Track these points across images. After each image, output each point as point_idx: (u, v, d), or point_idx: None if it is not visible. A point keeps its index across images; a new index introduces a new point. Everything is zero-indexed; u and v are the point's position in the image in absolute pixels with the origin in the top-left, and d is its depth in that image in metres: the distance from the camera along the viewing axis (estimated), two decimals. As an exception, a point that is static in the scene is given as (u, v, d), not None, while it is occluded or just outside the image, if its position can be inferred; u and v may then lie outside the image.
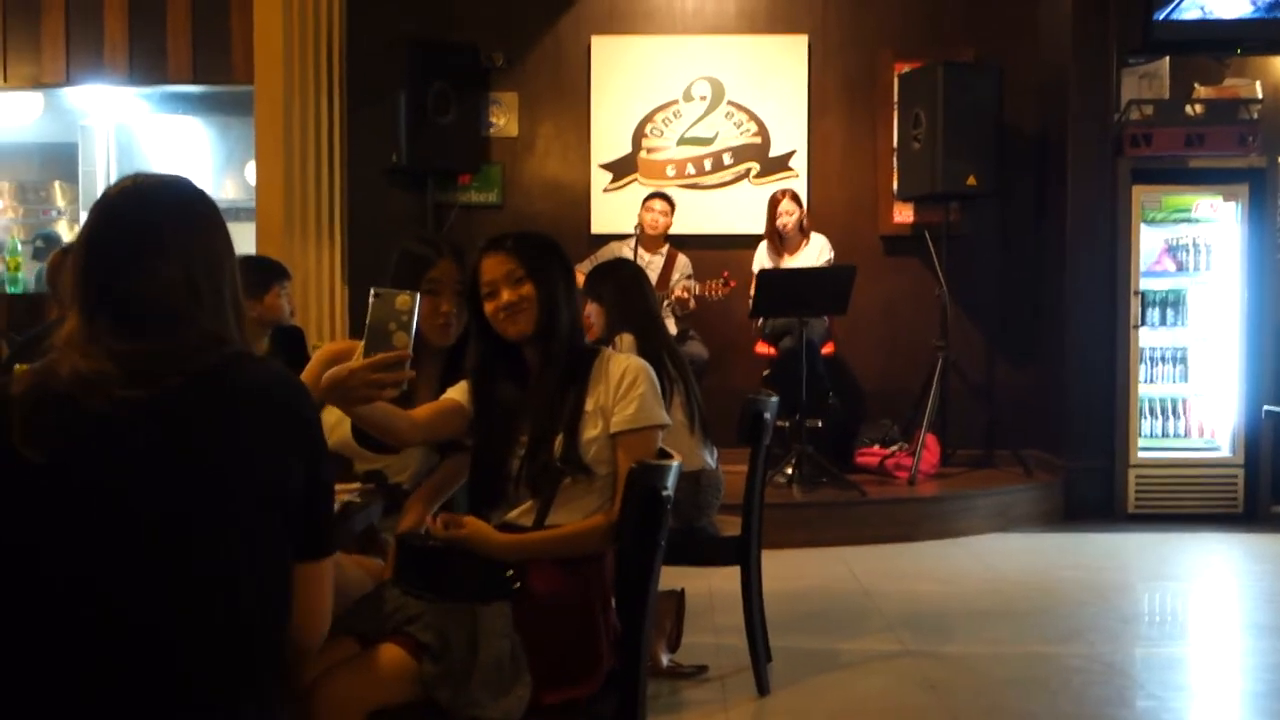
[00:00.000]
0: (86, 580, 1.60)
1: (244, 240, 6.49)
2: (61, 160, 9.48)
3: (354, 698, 2.20)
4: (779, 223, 6.90)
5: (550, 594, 2.34)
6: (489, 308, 2.50)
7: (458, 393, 2.58)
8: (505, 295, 2.48)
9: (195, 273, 1.72)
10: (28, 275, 8.08)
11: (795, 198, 6.97)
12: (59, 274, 4.34)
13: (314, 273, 6.81)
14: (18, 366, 1.78)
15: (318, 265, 6.85)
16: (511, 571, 2.33)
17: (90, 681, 1.59)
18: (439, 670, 2.22)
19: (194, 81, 7.22)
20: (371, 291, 2.12)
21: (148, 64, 7.17)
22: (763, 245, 7.02)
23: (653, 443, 2.46)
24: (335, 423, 2.73)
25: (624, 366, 2.49)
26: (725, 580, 4.15)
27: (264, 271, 4.34)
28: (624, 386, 2.46)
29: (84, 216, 7.89)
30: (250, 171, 7.94)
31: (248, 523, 1.66)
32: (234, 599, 1.66)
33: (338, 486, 2.29)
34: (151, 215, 1.75)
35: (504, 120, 7.58)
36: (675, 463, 2.34)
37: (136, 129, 9.08)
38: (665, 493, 2.24)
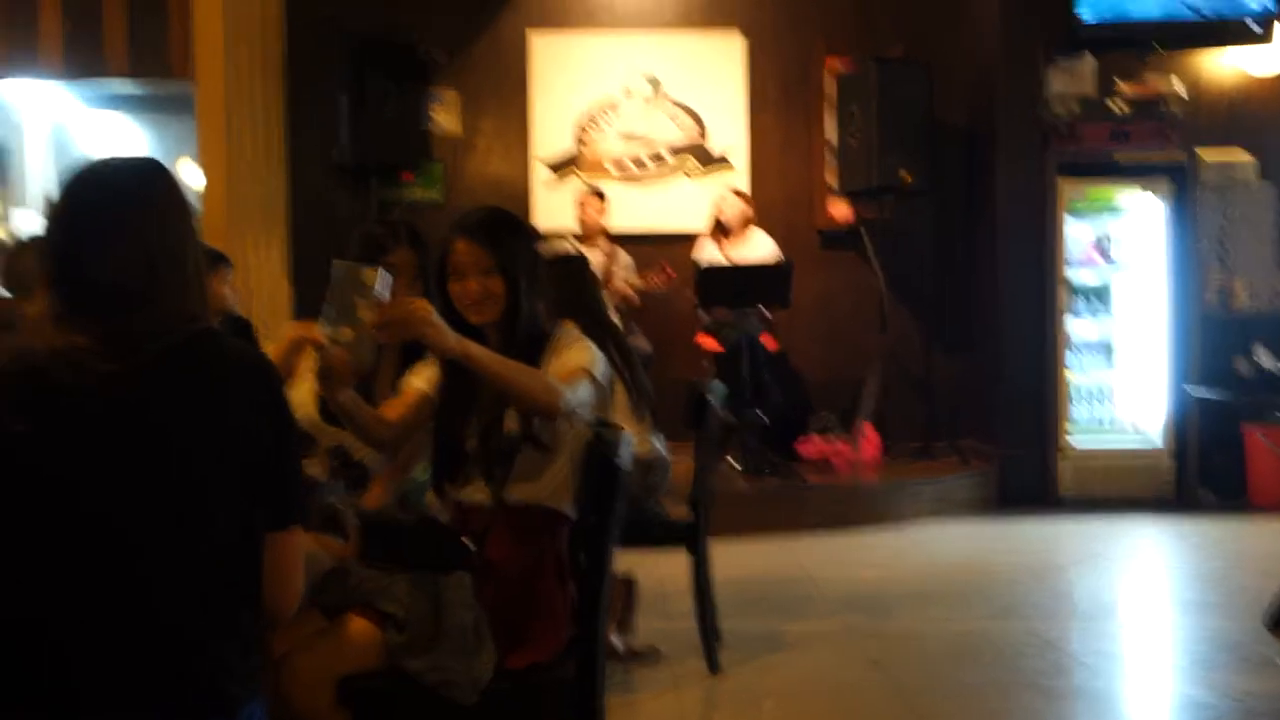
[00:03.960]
0: (73, 545, 1.65)
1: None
2: (-8, 159, 9.35)
3: (323, 668, 2.26)
4: (721, 214, 7.04)
5: (507, 563, 2.41)
6: (455, 289, 2.52)
7: (422, 381, 2.61)
8: (473, 285, 2.50)
9: (160, 252, 1.77)
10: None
11: (739, 193, 7.11)
12: (18, 266, 4.32)
13: (256, 270, 6.79)
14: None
15: (261, 262, 6.83)
16: (470, 543, 2.39)
17: (80, 645, 1.64)
18: (405, 639, 2.28)
19: (131, 75, 7.14)
20: (333, 263, 2.12)
21: (83, 58, 7.07)
22: (707, 239, 7.13)
23: (577, 377, 2.44)
24: (302, 400, 2.77)
25: (569, 336, 2.57)
26: (673, 569, 4.23)
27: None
28: (561, 348, 2.52)
29: (14, 215, 7.77)
30: (185, 170, 7.90)
31: (220, 492, 1.71)
32: (212, 566, 1.71)
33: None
34: (115, 196, 1.80)
35: (445, 117, 7.61)
36: (626, 433, 2.42)
37: (73, 128, 8.98)
38: (619, 460, 2.32)
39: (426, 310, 2.19)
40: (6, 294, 3.77)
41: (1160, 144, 6.97)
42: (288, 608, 1.88)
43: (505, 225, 2.60)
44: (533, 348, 2.53)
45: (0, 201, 9.42)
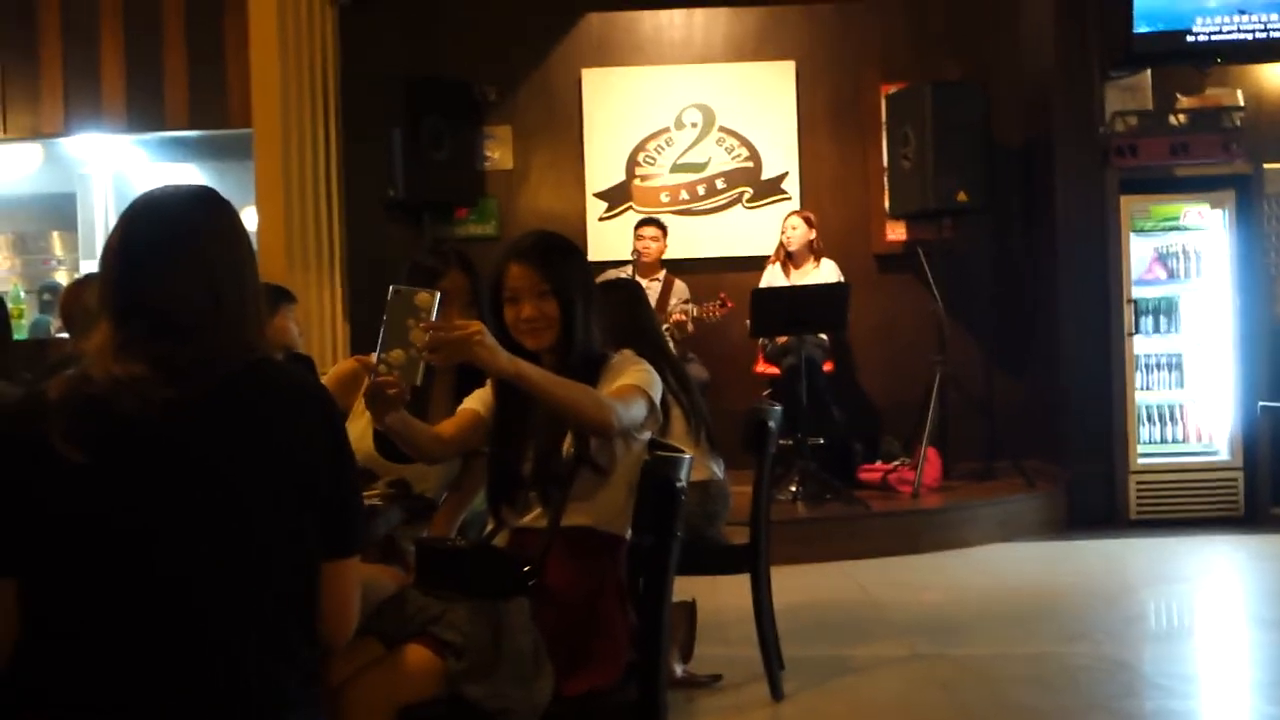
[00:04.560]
0: (131, 574, 1.66)
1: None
2: (60, 210, 9.56)
3: (383, 696, 2.25)
4: (784, 237, 7.03)
5: (566, 588, 2.40)
6: (509, 314, 2.53)
7: (475, 402, 2.63)
8: (527, 309, 2.51)
9: (219, 281, 1.78)
10: (29, 322, 8.15)
11: (807, 218, 7.11)
12: (76, 303, 4.40)
13: (315, 309, 6.88)
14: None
15: (319, 302, 6.92)
16: (528, 568, 2.38)
17: (137, 677, 1.65)
18: (464, 666, 2.27)
19: (190, 127, 7.30)
20: (390, 289, 2.13)
21: (145, 112, 7.23)
22: (772, 265, 7.13)
23: (630, 395, 2.43)
24: (359, 435, 2.79)
25: (624, 359, 2.56)
26: (734, 595, 4.20)
27: (269, 295, 4.40)
28: (617, 371, 2.51)
29: (84, 266, 7.95)
30: (248, 216, 8.03)
31: (277, 520, 1.72)
32: (269, 595, 1.72)
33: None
34: (176, 225, 1.81)
35: (498, 153, 7.69)
36: (686, 456, 2.41)
37: (134, 177, 9.17)
38: (679, 484, 2.31)
39: (480, 331, 2.19)
40: (65, 335, 3.83)
41: (1222, 156, 6.86)
42: (343, 636, 1.88)
43: (558, 248, 2.60)
44: (589, 371, 2.53)
45: (67, 253, 9.66)
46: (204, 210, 1.84)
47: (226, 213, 1.86)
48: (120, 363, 1.72)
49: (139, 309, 1.76)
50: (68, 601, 1.68)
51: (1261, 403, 6.27)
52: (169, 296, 1.75)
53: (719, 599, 4.70)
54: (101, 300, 1.82)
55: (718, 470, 4.05)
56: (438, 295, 2.13)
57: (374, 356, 2.16)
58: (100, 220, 9.09)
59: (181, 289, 1.76)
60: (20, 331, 7.66)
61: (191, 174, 9.10)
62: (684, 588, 3.75)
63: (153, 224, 1.81)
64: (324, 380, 3.11)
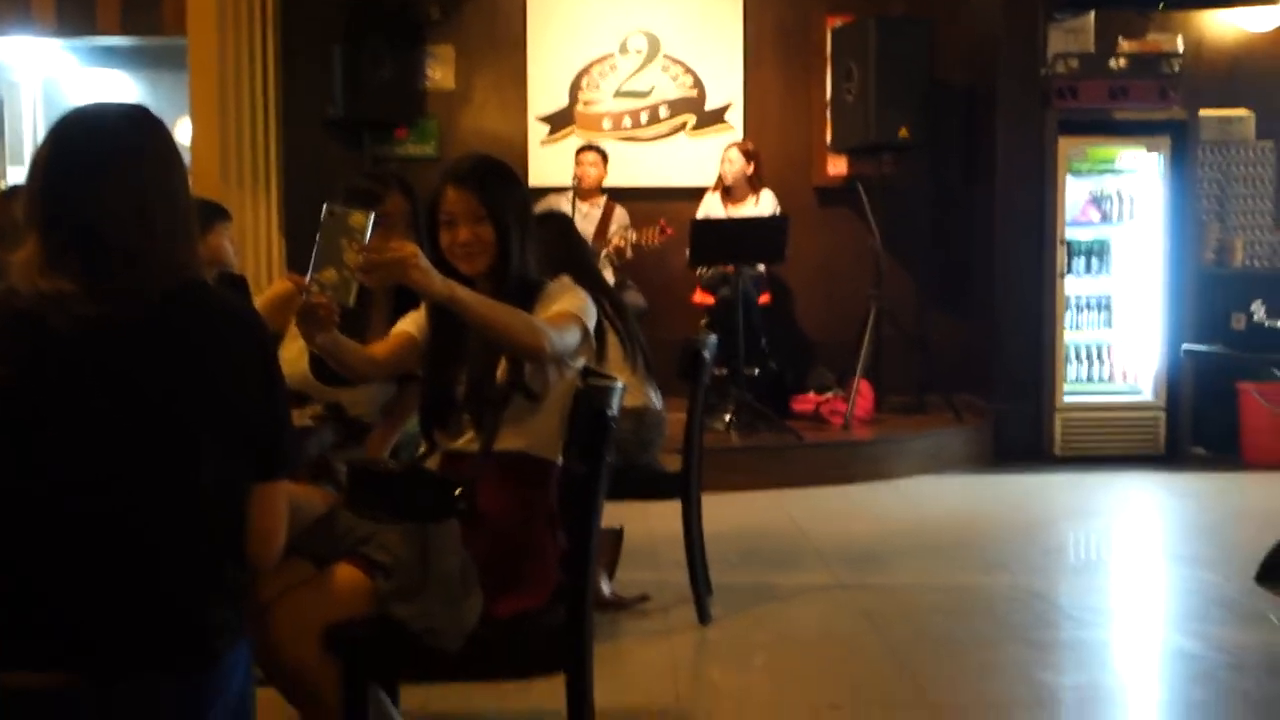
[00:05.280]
0: (56, 494, 1.66)
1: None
2: (-14, 115, 9.32)
3: (311, 615, 2.26)
4: (723, 169, 7.03)
5: (498, 512, 2.41)
6: (445, 238, 2.51)
7: (409, 324, 2.62)
8: (463, 234, 2.49)
9: (150, 198, 1.76)
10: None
11: (746, 151, 7.08)
12: (4, 215, 4.29)
13: (250, 226, 6.78)
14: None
15: (254, 219, 6.82)
16: (459, 491, 2.40)
17: (61, 594, 1.66)
18: (393, 586, 2.30)
19: (122, 33, 7.12)
20: (324, 208, 2.10)
21: (75, 15, 7.04)
22: (711, 195, 7.12)
23: (564, 321, 2.43)
24: (294, 358, 2.78)
25: (560, 285, 2.57)
26: (665, 521, 4.25)
27: (204, 212, 4.31)
28: (552, 297, 2.52)
29: (11, 174, 7.76)
30: (182, 128, 7.87)
31: (203, 442, 1.72)
32: (195, 516, 1.72)
33: (294, 413, 2.34)
34: (108, 141, 1.78)
35: (440, 73, 7.58)
36: (619, 385, 2.42)
37: (64, 84, 8.94)
38: (609, 411, 2.32)
39: (414, 254, 2.17)
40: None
41: (1160, 102, 6.94)
42: (270, 558, 1.88)
43: (495, 173, 2.58)
44: (524, 297, 2.52)
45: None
46: (137, 128, 1.81)
47: (160, 132, 1.83)
48: (46, 278, 1.70)
49: (68, 224, 1.73)
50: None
51: (1185, 345, 6.41)
52: (99, 214, 1.73)
53: (650, 524, 4.76)
54: (28, 213, 1.79)
55: (655, 398, 4.08)
56: (372, 216, 2.11)
57: (307, 276, 2.14)
58: (29, 129, 8.88)
59: (111, 206, 1.73)
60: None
61: (123, 82, 8.91)
62: (617, 513, 3.82)
63: (84, 139, 1.78)
64: (258, 301, 3.08)
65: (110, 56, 8.29)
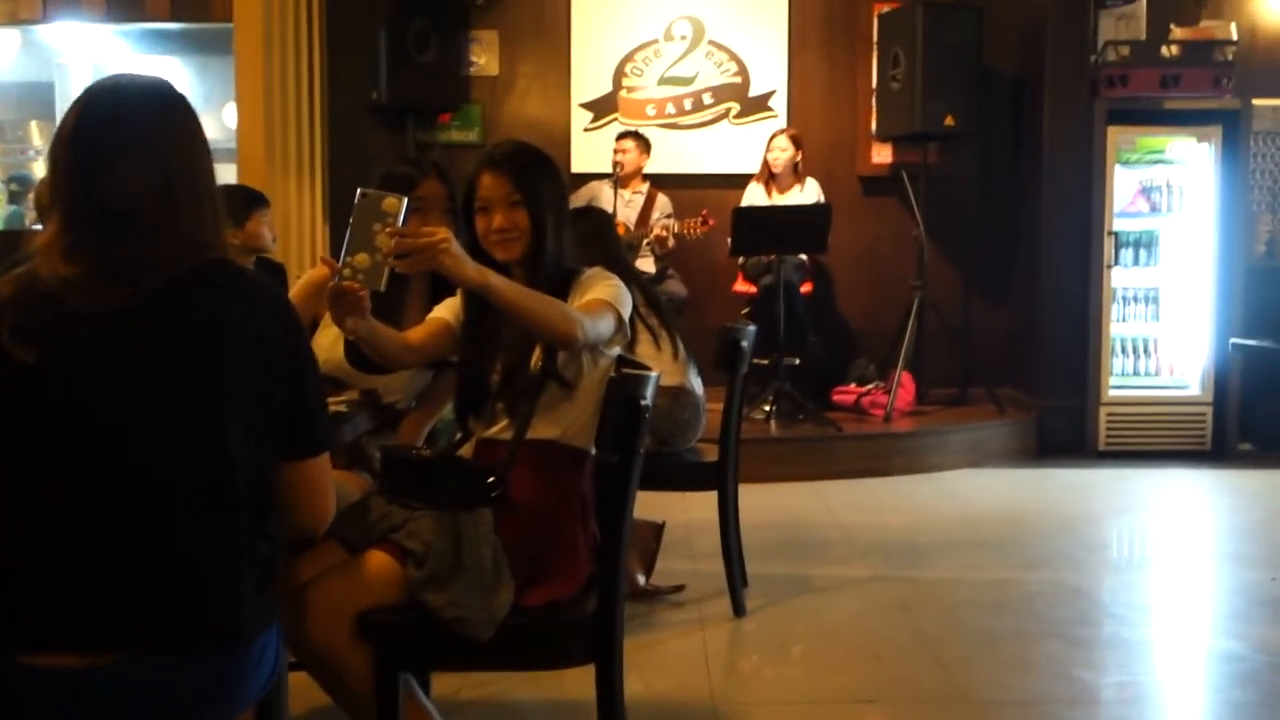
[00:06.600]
0: (82, 475, 1.66)
1: (225, 179, 6.47)
2: (38, 99, 9.43)
3: (343, 600, 2.27)
4: (769, 156, 6.98)
5: (530, 500, 2.41)
6: (481, 224, 2.51)
7: (445, 311, 2.62)
8: (498, 219, 2.49)
9: (175, 178, 1.75)
10: (3, 214, 8.06)
11: (793, 138, 7.03)
12: (41, 194, 4.35)
13: (295, 211, 6.83)
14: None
15: (298, 203, 6.86)
16: (492, 479, 2.40)
17: (93, 574, 1.65)
18: (424, 574, 2.29)
19: (171, 18, 7.16)
20: (358, 192, 2.09)
21: (125, 1, 7.11)
22: (755, 184, 7.09)
23: (598, 309, 2.43)
24: (329, 344, 2.78)
25: (595, 274, 2.55)
26: (703, 511, 4.24)
27: (244, 199, 4.36)
28: (587, 286, 2.51)
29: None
30: (229, 113, 7.92)
31: (231, 421, 1.71)
32: (226, 497, 1.71)
33: (329, 399, 2.35)
34: (131, 118, 1.76)
35: (484, 59, 7.58)
36: (653, 374, 2.41)
37: (114, 68, 9.00)
38: (643, 401, 2.31)
39: (446, 239, 2.16)
40: (40, 227, 3.81)
41: (1213, 91, 6.82)
42: (320, 526, 1.91)
43: (532, 159, 2.57)
44: (559, 285, 2.52)
45: (46, 143, 9.52)
46: (160, 105, 1.79)
47: (182, 108, 1.81)
48: (68, 261, 1.69)
49: (89, 205, 1.72)
50: (22, 501, 1.67)
51: (1234, 339, 6.30)
52: (121, 195, 1.72)
53: (688, 514, 4.75)
54: (52, 194, 1.78)
55: (695, 383, 4.06)
56: (405, 200, 2.10)
57: (339, 260, 2.14)
58: (79, 111, 8.94)
59: (134, 187, 1.72)
60: (-7, 223, 7.60)
61: (173, 67, 8.96)
62: (655, 502, 3.81)
63: (106, 118, 1.76)
64: (294, 286, 3.09)
65: (159, 41, 8.34)
